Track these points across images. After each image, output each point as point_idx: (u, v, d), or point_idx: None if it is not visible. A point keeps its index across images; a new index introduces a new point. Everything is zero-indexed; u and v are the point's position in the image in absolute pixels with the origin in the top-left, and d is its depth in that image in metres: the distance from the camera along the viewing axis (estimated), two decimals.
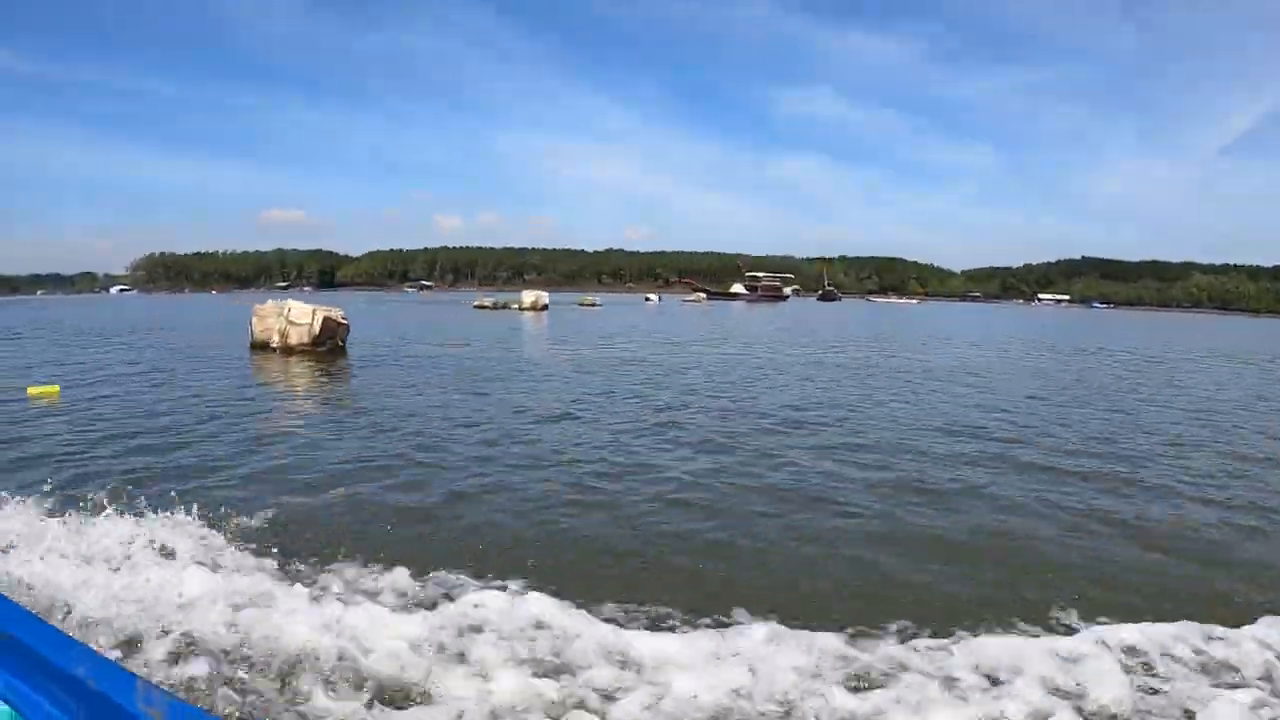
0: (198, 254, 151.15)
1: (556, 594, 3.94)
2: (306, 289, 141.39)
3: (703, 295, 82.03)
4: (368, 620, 3.51)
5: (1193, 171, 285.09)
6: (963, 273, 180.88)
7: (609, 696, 3.07)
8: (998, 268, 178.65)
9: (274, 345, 16.03)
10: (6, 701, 1.06)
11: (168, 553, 4.30)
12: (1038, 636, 3.71)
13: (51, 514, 4.75)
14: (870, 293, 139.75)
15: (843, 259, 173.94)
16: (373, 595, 3.96)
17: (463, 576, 4.24)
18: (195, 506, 4.89)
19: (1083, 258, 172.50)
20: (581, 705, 3.00)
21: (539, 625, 3.60)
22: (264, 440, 7.89)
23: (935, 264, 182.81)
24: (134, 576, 3.80)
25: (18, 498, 5.00)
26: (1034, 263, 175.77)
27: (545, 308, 42.40)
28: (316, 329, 15.73)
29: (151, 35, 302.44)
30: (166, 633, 3.32)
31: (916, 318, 53.44)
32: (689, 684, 3.11)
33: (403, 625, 3.52)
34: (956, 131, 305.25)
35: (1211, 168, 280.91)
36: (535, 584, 4.14)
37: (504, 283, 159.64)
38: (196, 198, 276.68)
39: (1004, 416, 10.23)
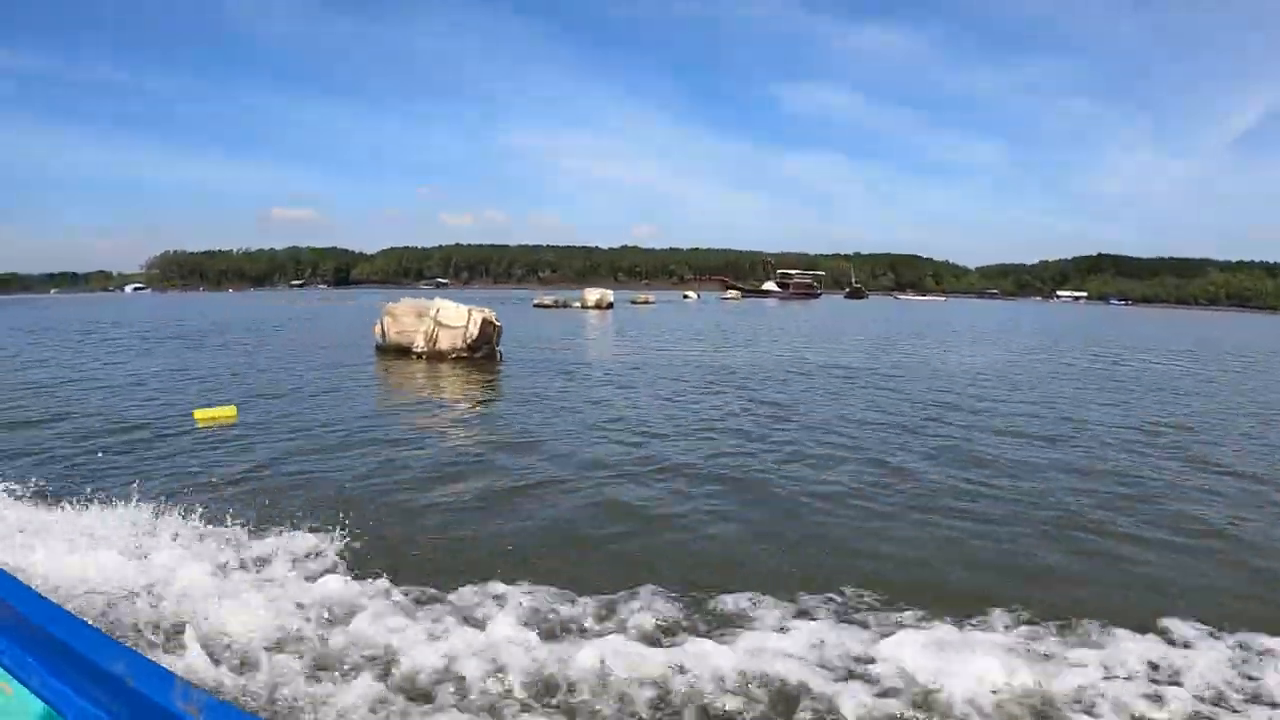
0: (210, 252, 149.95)
1: None
2: (321, 286, 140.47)
3: (738, 293, 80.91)
4: None
5: (1204, 167, 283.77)
6: (977, 269, 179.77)
7: None
8: (1012, 265, 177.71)
9: (418, 350, 14.90)
10: (45, 700, 1.08)
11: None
12: None
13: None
14: (893, 290, 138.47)
15: (858, 255, 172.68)
16: None
17: None
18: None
19: (1099, 255, 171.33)
20: None
21: None
22: (525, 488, 6.56)
23: (949, 261, 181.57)
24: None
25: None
26: (1048, 259, 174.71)
27: (610, 306, 41.46)
28: (474, 333, 14.60)
29: (157, 34, 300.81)
30: None
31: (956, 315, 52.44)
32: None
33: None
34: (967, 128, 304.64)
35: (1223, 163, 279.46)
36: None
37: (518, 280, 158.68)
38: (204, 196, 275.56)
39: None
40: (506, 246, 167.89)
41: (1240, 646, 3.57)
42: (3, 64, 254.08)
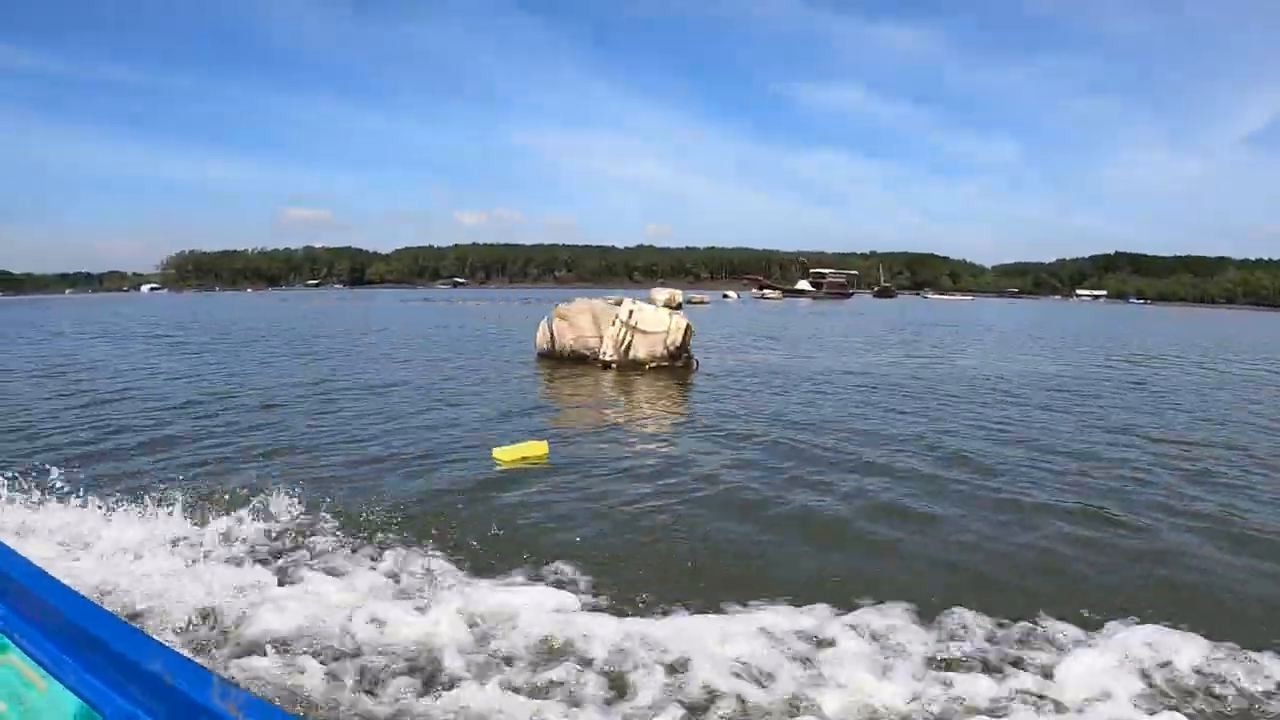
0: (226, 252, 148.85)
1: None
2: (338, 286, 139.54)
3: (779, 293, 79.79)
4: None
5: (1219, 164, 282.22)
6: (993, 268, 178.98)
7: None
8: (1029, 263, 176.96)
9: (607, 358, 13.82)
10: (83, 698, 1.09)
11: None
12: None
13: None
14: (912, 289, 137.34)
15: (874, 254, 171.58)
16: None
17: None
18: None
19: (1116, 253, 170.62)
20: None
21: None
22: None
23: (966, 260, 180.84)
24: None
25: None
26: (1064, 258, 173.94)
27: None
28: (677, 340, 13.52)
29: (172, 33, 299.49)
30: None
31: (995, 315, 51.42)
32: None
33: None
34: (980, 126, 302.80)
35: (1238, 160, 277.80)
36: None
37: (534, 280, 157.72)
38: (217, 197, 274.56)
39: None
40: (522, 245, 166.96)
41: None
42: (15, 64, 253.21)
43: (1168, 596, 4.20)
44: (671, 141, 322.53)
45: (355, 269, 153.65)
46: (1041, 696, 3.15)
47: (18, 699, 1.17)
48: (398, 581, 4.17)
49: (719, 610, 3.85)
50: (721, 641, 3.47)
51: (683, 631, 3.56)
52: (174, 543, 4.60)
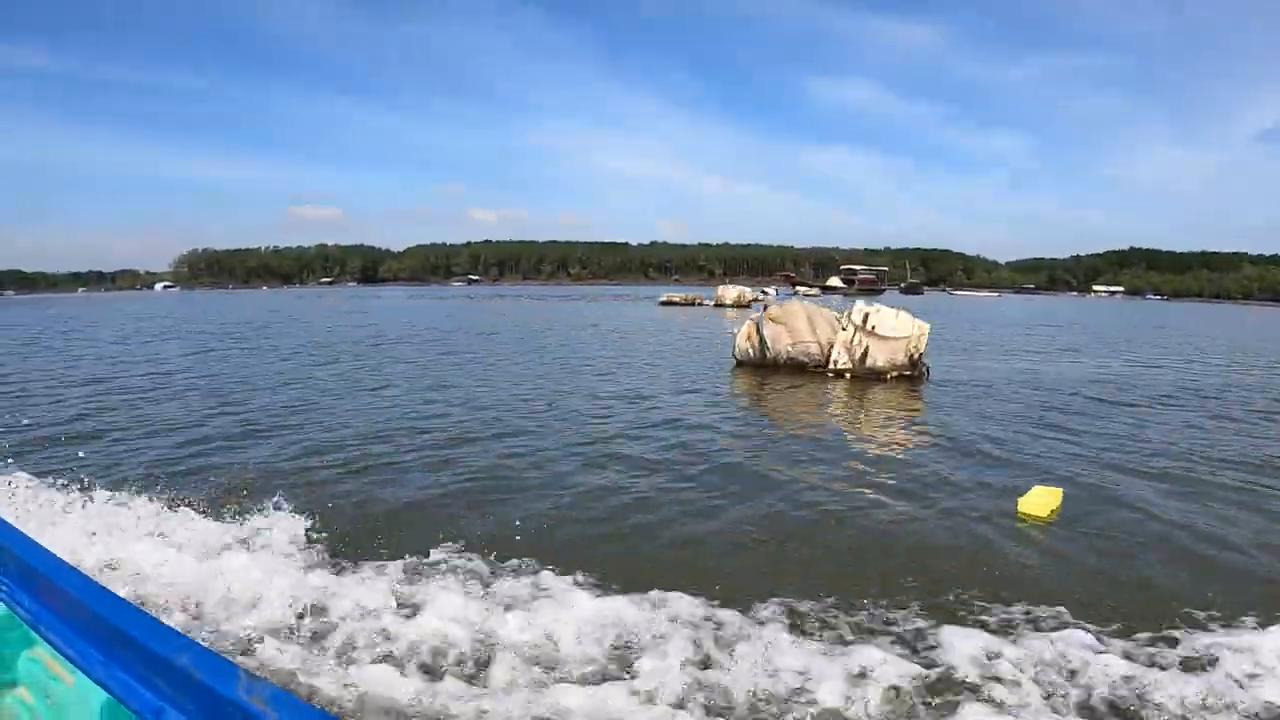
0: (238, 250, 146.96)
1: None
2: (351, 284, 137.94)
3: (817, 289, 78.40)
4: None
5: (1233, 160, 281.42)
6: (1006, 264, 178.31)
7: None
8: (1043, 259, 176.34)
9: (840, 367, 12.52)
10: (110, 691, 1.09)
11: None
12: None
13: None
14: (931, 284, 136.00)
15: (887, 250, 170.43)
16: None
17: None
18: None
19: (1131, 248, 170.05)
20: None
21: None
22: None
23: (980, 255, 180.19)
24: None
25: None
26: (1080, 254, 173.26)
27: (749, 304, 39.22)
28: (920, 347, 12.28)
29: (184, 33, 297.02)
30: None
31: (1036, 312, 50.30)
32: None
33: None
34: (994, 121, 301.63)
35: (1251, 155, 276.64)
36: None
37: (548, 276, 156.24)
38: (228, 196, 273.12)
39: None
40: (535, 242, 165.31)
41: None
42: (29, 65, 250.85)
43: None
44: (683, 139, 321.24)
45: (367, 266, 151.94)
46: None
47: (45, 692, 1.22)
48: None
49: None
50: None
51: None
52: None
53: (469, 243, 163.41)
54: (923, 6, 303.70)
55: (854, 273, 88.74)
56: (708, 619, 3.76)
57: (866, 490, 6.23)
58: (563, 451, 7.51)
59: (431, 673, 3.28)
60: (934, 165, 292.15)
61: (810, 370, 12.97)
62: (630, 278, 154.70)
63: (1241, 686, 3.20)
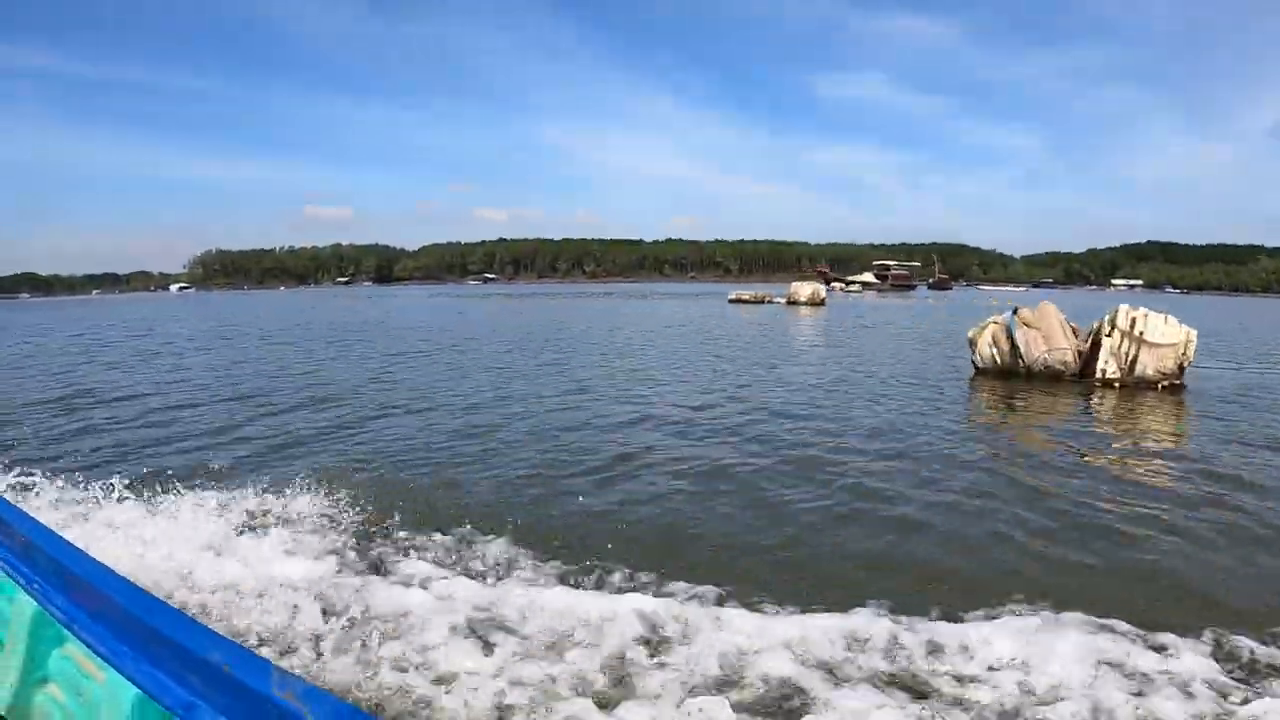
0: (253, 250, 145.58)
1: None
2: (367, 283, 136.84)
3: (859, 285, 77.45)
4: None
5: (1247, 152, 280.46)
6: (1022, 258, 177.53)
7: None
8: (1058, 253, 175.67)
9: (1108, 375, 11.53)
10: (142, 687, 1.09)
11: None
12: None
13: None
14: (958, 280, 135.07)
15: (902, 245, 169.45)
16: None
17: None
18: None
19: (1148, 242, 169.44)
20: None
21: None
22: None
23: (996, 250, 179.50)
24: None
25: None
26: (1095, 247, 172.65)
27: (823, 302, 38.23)
28: (1190, 355, 11.28)
29: (196, 35, 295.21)
30: None
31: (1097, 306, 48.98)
32: None
33: None
34: (1006, 116, 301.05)
35: (1265, 148, 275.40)
36: None
37: (564, 274, 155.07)
38: (240, 197, 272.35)
39: None
40: (551, 240, 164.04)
41: None
42: (43, 66, 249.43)
43: None
44: (695, 136, 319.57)
45: (382, 266, 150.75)
46: None
47: (77, 690, 1.24)
48: None
49: None
50: None
51: None
52: None
53: (483, 241, 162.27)
54: (937, 1, 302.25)
55: (887, 268, 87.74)
56: None
57: None
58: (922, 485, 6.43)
59: None
60: (945, 160, 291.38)
61: (1066, 380, 11.93)
62: (645, 275, 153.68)
63: None
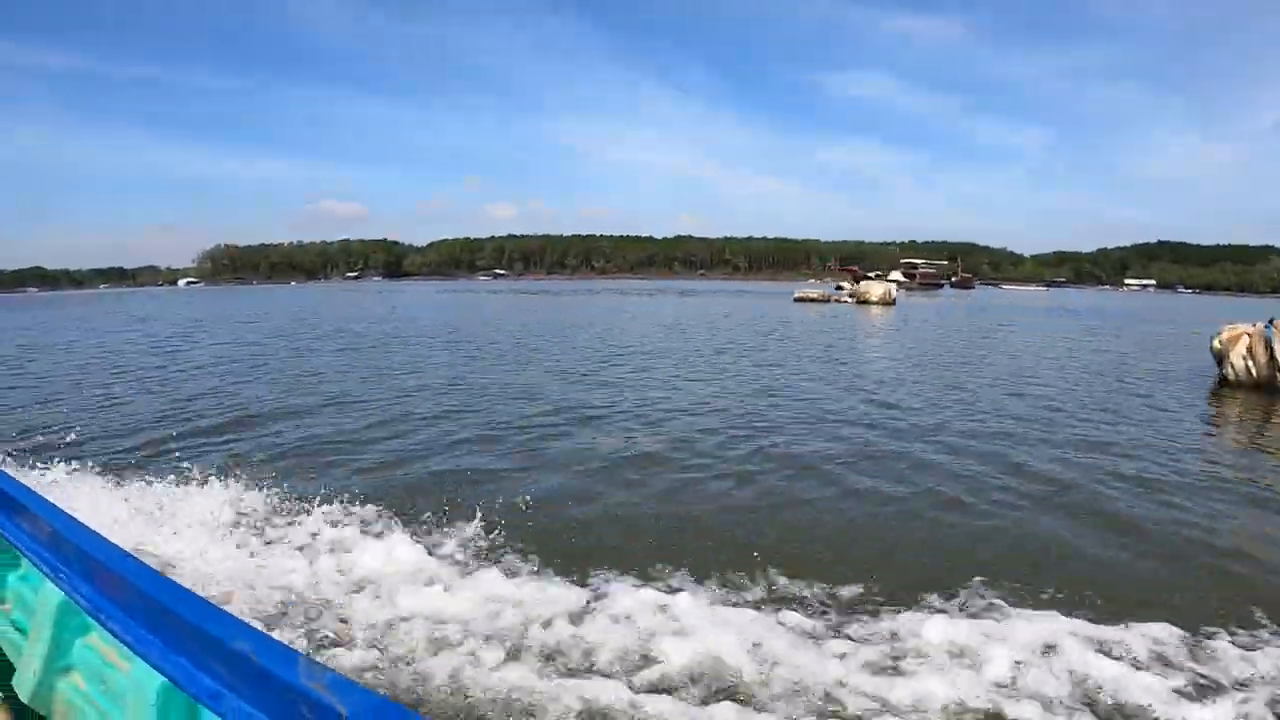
0: (261, 245, 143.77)
1: None
2: (376, 279, 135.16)
3: (893, 283, 76.13)
4: None
5: (1254, 151, 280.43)
6: (1032, 258, 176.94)
7: None
8: (1068, 253, 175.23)
9: None
10: (168, 676, 1.09)
11: None
12: None
13: None
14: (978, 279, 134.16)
15: (912, 244, 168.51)
16: None
17: None
18: None
19: (1159, 241, 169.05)
20: None
21: None
22: None
23: (1007, 249, 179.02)
24: None
25: None
26: (1104, 247, 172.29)
27: (893, 302, 37.17)
28: None
29: (206, 32, 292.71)
30: None
31: (1115, 306, 48.07)
32: None
33: None
34: (1015, 115, 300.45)
35: (1276, 146, 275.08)
36: None
37: (572, 271, 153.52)
38: (248, 193, 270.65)
39: None
40: (560, 236, 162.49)
41: None
42: (49, 63, 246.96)
43: None
44: (703, 134, 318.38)
45: (391, 261, 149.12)
46: None
47: (101, 679, 1.24)
48: None
49: None
50: None
51: None
52: None
53: (492, 236, 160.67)
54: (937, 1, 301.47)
55: (914, 267, 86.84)
56: None
57: None
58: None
59: None
60: (956, 159, 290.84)
61: None
62: (655, 271, 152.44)
63: None
